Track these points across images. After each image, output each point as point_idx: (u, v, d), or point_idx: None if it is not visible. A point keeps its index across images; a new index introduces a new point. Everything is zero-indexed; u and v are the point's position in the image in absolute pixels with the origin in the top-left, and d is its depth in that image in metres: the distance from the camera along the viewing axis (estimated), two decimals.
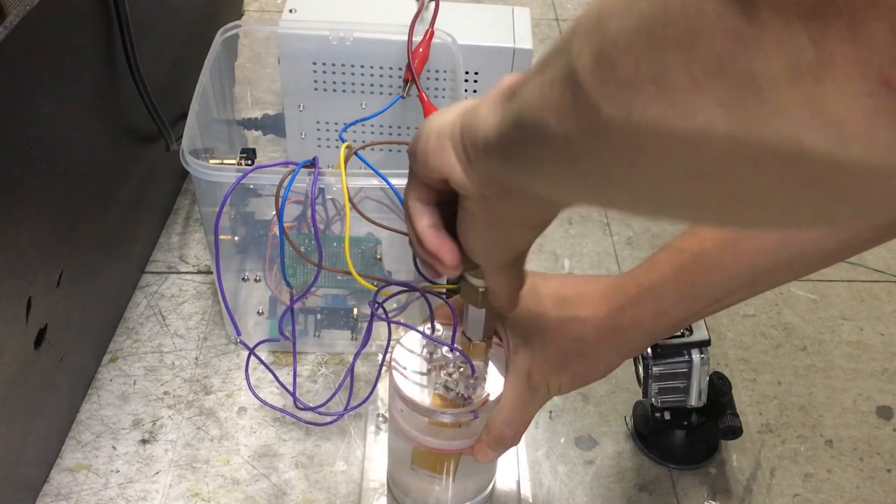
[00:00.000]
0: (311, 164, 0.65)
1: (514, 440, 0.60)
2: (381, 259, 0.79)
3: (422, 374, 0.60)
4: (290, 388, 0.73)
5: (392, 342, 0.65)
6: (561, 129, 0.30)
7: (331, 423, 0.75)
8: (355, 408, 0.75)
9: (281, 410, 0.76)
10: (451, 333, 0.60)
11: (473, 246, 0.46)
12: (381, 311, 0.61)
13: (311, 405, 0.71)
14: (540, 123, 0.32)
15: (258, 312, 0.85)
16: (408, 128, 0.92)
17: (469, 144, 0.40)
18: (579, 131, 0.29)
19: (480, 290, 0.53)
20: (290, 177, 0.63)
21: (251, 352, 0.68)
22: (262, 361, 0.72)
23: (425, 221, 0.47)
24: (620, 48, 0.26)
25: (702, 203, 0.28)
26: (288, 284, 0.71)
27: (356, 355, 0.67)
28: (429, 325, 0.60)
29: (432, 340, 0.60)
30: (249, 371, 0.82)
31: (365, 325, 0.83)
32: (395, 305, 0.78)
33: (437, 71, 0.88)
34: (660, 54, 0.24)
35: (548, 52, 0.32)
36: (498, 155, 0.38)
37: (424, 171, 0.44)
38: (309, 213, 0.78)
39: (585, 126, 0.29)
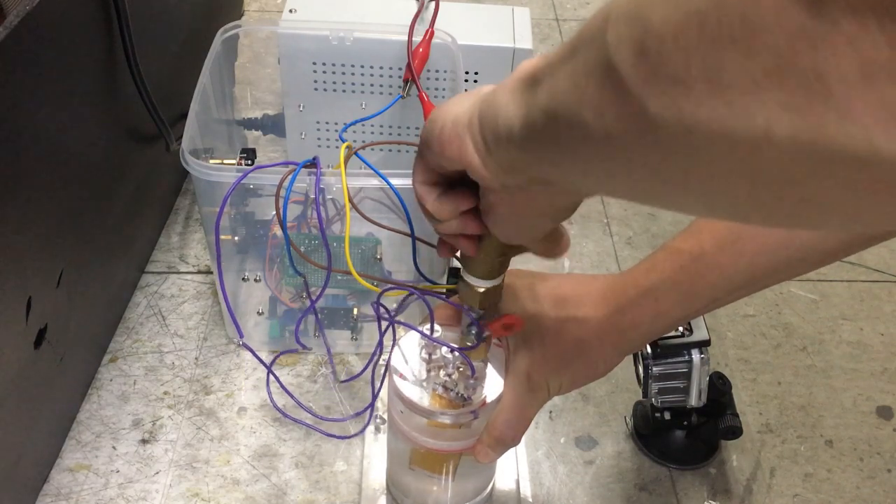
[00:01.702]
0: (312, 163, 0.65)
1: (515, 440, 0.60)
2: (381, 259, 0.79)
3: (421, 375, 0.60)
4: (291, 393, 0.73)
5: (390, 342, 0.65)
6: (601, 126, 0.28)
7: (355, 435, 0.76)
8: (365, 410, 0.75)
9: (306, 425, 0.76)
10: (450, 334, 0.60)
11: (497, 231, 0.46)
12: (386, 313, 0.61)
13: (315, 409, 0.72)
14: (577, 118, 0.30)
15: (258, 312, 0.85)
16: (408, 128, 0.92)
17: (489, 135, 0.38)
18: (623, 129, 0.27)
19: (480, 290, 0.53)
20: (290, 176, 0.63)
21: (269, 370, 0.68)
22: (280, 382, 0.72)
23: (434, 195, 0.46)
24: (667, 43, 0.24)
25: (758, 205, 0.26)
26: (299, 274, 0.71)
27: (374, 364, 0.67)
28: (428, 326, 0.60)
29: (432, 341, 0.60)
30: (250, 371, 0.82)
31: (364, 325, 0.83)
32: (394, 305, 0.78)
33: (437, 71, 0.88)
34: (713, 51, 0.23)
35: (575, 38, 0.30)
36: (524, 146, 0.36)
37: (439, 161, 0.43)
38: (308, 212, 0.78)
39: (630, 124, 0.27)
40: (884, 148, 0.21)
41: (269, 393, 0.76)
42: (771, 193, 0.25)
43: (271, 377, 0.76)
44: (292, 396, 0.72)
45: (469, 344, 0.57)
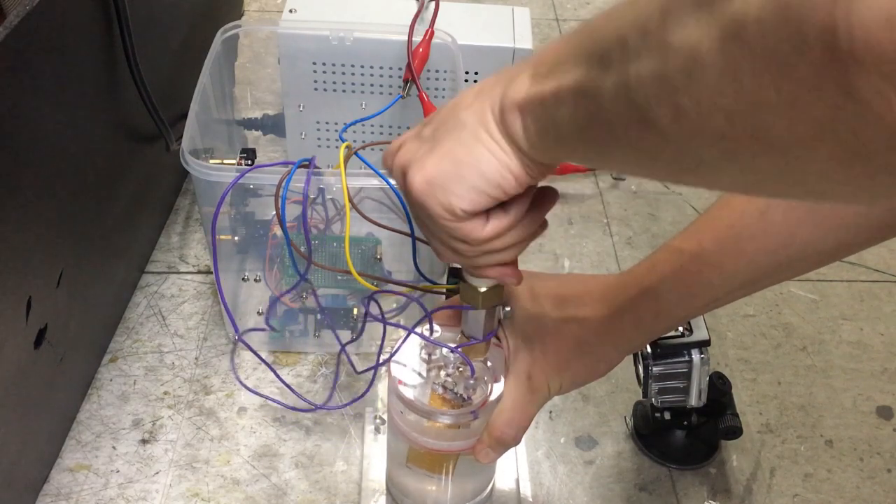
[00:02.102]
0: (308, 163, 0.65)
1: (515, 441, 0.60)
2: (381, 259, 0.79)
3: (421, 375, 0.60)
4: (290, 387, 0.73)
5: (390, 342, 0.65)
6: (655, 162, 0.32)
7: (323, 407, 0.76)
8: (355, 401, 0.75)
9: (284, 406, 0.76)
10: (449, 334, 0.60)
11: None
12: (381, 312, 0.61)
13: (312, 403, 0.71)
14: (627, 150, 0.33)
15: (258, 312, 0.85)
16: (408, 127, 0.92)
17: (543, 157, 0.40)
18: (678, 169, 0.31)
19: (481, 290, 0.53)
20: (286, 176, 0.63)
21: (241, 340, 0.67)
22: (273, 371, 0.72)
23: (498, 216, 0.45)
24: (705, 105, 0.26)
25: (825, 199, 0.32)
26: (303, 277, 0.71)
27: (377, 360, 0.67)
28: (427, 327, 0.60)
29: (431, 343, 0.60)
30: (250, 371, 0.82)
31: (365, 324, 0.83)
32: (394, 305, 0.78)
33: (437, 71, 0.88)
34: (755, 115, 0.25)
35: (587, 68, 0.33)
36: (574, 156, 0.40)
37: (489, 201, 0.43)
38: (308, 213, 0.78)
39: (680, 165, 0.30)
40: None
41: (235, 370, 0.75)
42: (835, 197, 0.29)
43: (262, 364, 0.75)
44: (270, 399, 0.72)
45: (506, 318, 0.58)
